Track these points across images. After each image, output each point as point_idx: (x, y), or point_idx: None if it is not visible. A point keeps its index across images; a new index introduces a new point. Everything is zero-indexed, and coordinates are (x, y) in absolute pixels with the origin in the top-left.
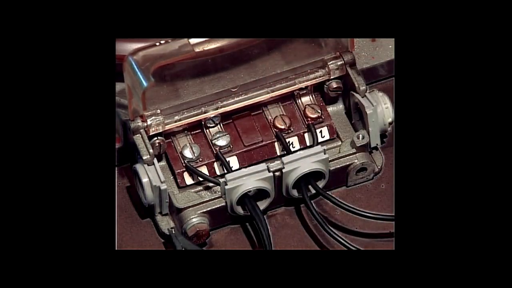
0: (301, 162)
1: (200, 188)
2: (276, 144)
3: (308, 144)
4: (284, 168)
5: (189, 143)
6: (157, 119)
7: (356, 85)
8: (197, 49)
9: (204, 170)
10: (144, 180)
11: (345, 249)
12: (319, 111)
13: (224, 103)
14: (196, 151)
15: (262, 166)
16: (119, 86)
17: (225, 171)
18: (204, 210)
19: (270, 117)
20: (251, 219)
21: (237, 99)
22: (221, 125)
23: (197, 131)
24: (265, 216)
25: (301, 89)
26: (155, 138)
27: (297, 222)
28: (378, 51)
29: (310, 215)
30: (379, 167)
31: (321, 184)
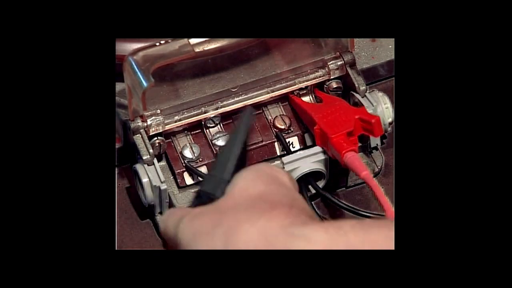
0: (301, 162)
1: None
2: (276, 144)
3: (307, 144)
4: (284, 168)
5: (189, 143)
6: (157, 119)
7: (356, 85)
8: (197, 49)
9: (204, 170)
10: (144, 180)
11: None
12: None
13: (224, 103)
14: (196, 151)
15: None
16: (119, 86)
17: None
18: None
19: (270, 117)
20: None
21: (237, 99)
22: (221, 125)
23: (197, 131)
24: None
25: (301, 89)
26: (155, 138)
27: None
28: (378, 51)
29: None
30: (379, 167)
31: (321, 184)
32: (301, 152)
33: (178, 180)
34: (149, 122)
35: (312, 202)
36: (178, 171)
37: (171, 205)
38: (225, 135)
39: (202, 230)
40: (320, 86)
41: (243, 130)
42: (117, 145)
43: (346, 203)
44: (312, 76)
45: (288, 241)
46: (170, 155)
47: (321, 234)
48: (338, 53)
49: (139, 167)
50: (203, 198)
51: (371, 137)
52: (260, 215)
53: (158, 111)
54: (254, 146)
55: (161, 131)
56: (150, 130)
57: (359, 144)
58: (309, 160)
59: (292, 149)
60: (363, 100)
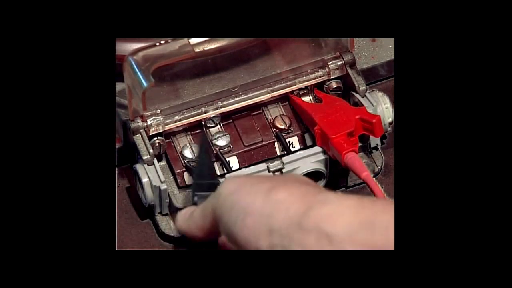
0: (301, 162)
1: None
2: (276, 144)
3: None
4: (284, 168)
5: (189, 143)
6: (157, 119)
7: (356, 85)
8: (197, 49)
9: None
10: (144, 180)
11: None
12: None
13: (224, 103)
14: (196, 151)
15: (262, 166)
16: (119, 86)
17: (225, 171)
18: None
19: (270, 117)
20: None
21: (237, 99)
22: (221, 125)
23: (197, 131)
24: None
25: (301, 89)
26: (155, 138)
27: None
28: (378, 51)
29: None
30: (379, 167)
31: (321, 184)
32: (301, 152)
33: (178, 180)
34: (149, 122)
35: None
36: (178, 171)
37: (171, 205)
38: (225, 135)
39: (244, 186)
40: (320, 86)
41: (204, 147)
42: (117, 145)
43: None
44: (312, 76)
45: (322, 201)
46: (170, 155)
47: (351, 199)
48: (338, 53)
49: (139, 167)
50: (204, 189)
51: (371, 137)
52: (303, 185)
53: (158, 111)
54: (254, 146)
55: (161, 131)
56: (150, 130)
57: (360, 144)
58: (309, 160)
59: (292, 149)
60: (363, 100)
